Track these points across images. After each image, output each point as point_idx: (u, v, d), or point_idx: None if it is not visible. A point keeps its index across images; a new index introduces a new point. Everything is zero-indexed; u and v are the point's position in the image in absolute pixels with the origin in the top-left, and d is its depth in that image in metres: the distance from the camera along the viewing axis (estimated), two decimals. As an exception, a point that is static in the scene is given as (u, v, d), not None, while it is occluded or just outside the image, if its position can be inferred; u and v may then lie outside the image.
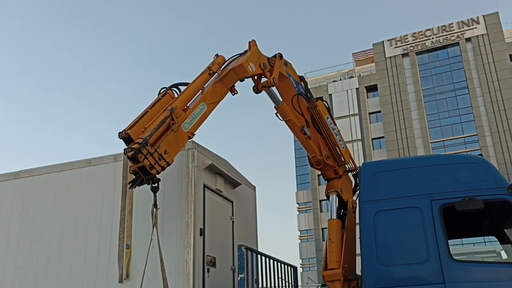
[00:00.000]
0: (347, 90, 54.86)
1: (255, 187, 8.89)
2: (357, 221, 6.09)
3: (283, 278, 7.67)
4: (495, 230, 6.46)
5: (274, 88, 6.72)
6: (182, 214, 6.32)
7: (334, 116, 49.10)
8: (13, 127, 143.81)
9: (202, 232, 6.54)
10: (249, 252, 6.36)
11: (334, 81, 57.03)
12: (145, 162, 5.25)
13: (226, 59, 6.37)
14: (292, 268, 8.16)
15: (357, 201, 6.56)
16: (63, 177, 7.43)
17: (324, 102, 7.14)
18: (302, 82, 7.01)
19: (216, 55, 6.35)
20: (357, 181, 7.18)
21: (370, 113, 53.26)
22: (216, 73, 6.17)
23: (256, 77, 6.54)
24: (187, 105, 5.86)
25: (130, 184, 5.54)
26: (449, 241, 5.32)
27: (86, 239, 6.87)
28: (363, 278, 5.44)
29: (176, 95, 6.06)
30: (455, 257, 5.14)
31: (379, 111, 52.11)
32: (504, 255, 6.74)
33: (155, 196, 5.71)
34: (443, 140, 48.55)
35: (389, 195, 5.58)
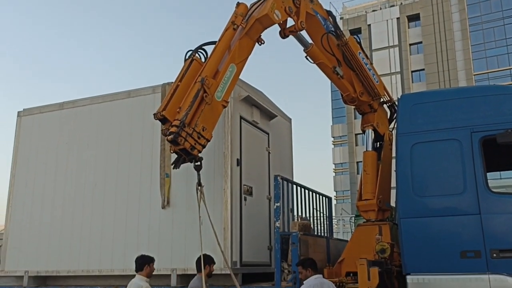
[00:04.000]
0: (387, 20, 52.43)
1: (291, 119, 8.92)
2: (394, 153, 6.09)
3: (318, 208, 7.87)
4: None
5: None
6: (220, 145, 6.47)
7: (373, 48, 46.97)
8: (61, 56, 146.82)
9: (239, 163, 6.70)
10: (285, 182, 6.51)
11: (373, 11, 54.51)
12: (186, 145, 5.27)
13: (248, 7, 6.05)
14: (326, 199, 8.34)
15: (394, 133, 6.52)
16: (104, 108, 7.67)
17: (355, 36, 6.86)
18: (330, 17, 6.69)
19: (237, 4, 6.02)
20: (393, 112, 7.10)
21: (410, 44, 51.09)
22: (241, 26, 5.88)
23: (282, 22, 6.23)
24: (217, 68, 5.70)
25: (173, 164, 5.58)
26: (487, 174, 5.28)
27: (128, 168, 7.18)
28: (398, 208, 5.53)
29: (203, 59, 5.90)
30: (492, 190, 5.12)
31: (420, 42, 49.89)
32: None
33: (198, 175, 5.66)
34: (487, 72, 46.45)
35: (428, 127, 5.50)
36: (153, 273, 5.66)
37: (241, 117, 6.96)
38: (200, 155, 5.56)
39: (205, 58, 5.94)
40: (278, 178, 6.29)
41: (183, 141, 5.23)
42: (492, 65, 46.68)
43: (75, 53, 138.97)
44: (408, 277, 5.18)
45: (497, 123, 5.17)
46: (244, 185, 6.77)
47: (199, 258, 5.62)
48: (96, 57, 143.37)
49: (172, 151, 5.51)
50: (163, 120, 5.47)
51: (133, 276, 5.95)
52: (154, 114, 5.49)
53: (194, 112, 5.34)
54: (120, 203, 7.11)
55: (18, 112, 8.40)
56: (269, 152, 7.70)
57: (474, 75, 46.74)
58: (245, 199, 6.76)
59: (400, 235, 5.38)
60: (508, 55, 46.30)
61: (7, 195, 8.05)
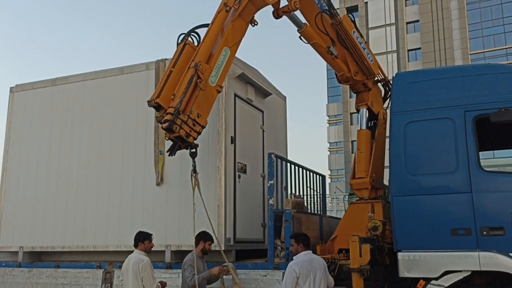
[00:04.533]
0: (384, -3, 51.93)
1: (285, 97, 8.89)
2: (388, 132, 6.10)
3: (311, 186, 7.92)
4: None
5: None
6: (214, 123, 6.44)
7: (369, 26, 46.65)
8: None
9: (233, 140, 6.70)
10: (279, 160, 6.53)
11: (371, -12, 53.89)
12: (181, 132, 5.25)
13: None
14: (320, 177, 8.39)
15: (388, 111, 6.53)
16: (97, 84, 7.60)
17: (349, 15, 6.79)
18: None
19: None
20: (387, 90, 7.10)
21: (407, 23, 50.68)
22: (233, 8, 5.77)
23: (275, 2, 6.14)
24: (211, 51, 5.61)
25: (169, 152, 5.56)
26: (480, 153, 5.31)
27: (122, 144, 7.16)
28: (390, 186, 5.57)
29: (196, 42, 5.80)
30: (484, 169, 5.16)
31: (417, 21, 49.50)
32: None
33: (194, 162, 5.65)
34: (483, 52, 46.30)
35: (422, 106, 5.51)
36: None
37: (235, 95, 6.93)
38: (195, 142, 5.55)
39: (198, 42, 5.86)
40: (272, 156, 6.31)
41: (178, 129, 5.22)
42: (488, 44, 46.51)
43: (73, 27, 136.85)
44: (399, 253, 5.26)
45: (490, 102, 5.18)
46: (238, 162, 6.78)
47: (197, 235, 5.74)
48: (96, 32, 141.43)
49: (167, 138, 5.49)
50: (157, 107, 5.43)
51: (128, 252, 6.06)
52: (148, 102, 5.46)
53: (189, 99, 5.31)
54: (114, 179, 7.11)
55: (11, 88, 8.32)
56: (263, 130, 7.69)
57: (470, 54, 46.60)
58: (239, 177, 6.78)
59: (392, 212, 5.44)
60: (504, 34, 46.09)
61: (1, 171, 8.04)
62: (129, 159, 7.06)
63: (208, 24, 5.85)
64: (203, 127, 5.53)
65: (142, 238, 5.82)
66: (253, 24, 6.08)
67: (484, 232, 4.94)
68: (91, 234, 7.10)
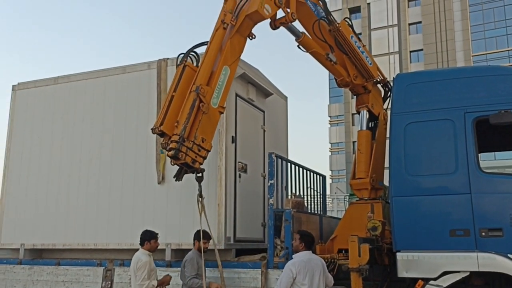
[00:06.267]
0: (387, -1, 51.92)
1: (286, 97, 8.92)
2: (388, 133, 6.13)
3: (312, 186, 7.94)
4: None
5: None
6: (215, 122, 6.44)
7: (372, 27, 46.53)
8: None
9: (233, 140, 6.73)
10: (279, 160, 6.56)
11: (373, -11, 53.87)
12: (187, 159, 5.25)
13: (237, 1, 5.83)
14: (321, 177, 8.41)
15: (388, 112, 6.55)
16: (99, 83, 7.62)
17: (347, 20, 6.73)
18: (320, 2, 6.52)
19: None
20: (386, 91, 7.13)
21: (410, 24, 50.65)
22: (231, 24, 5.71)
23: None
24: (211, 71, 5.59)
25: (175, 177, 5.54)
26: (481, 154, 5.33)
27: (124, 143, 7.19)
28: (390, 187, 5.59)
29: (194, 62, 5.79)
30: (484, 170, 5.17)
31: (420, 22, 49.45)
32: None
33: (200, 186, 5.65)
34: (485, 54, 46.25)
35: (422, 107, 5.54)
36: None
37: (236, 95, 6.95)
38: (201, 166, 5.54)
39: (197, 61, 5.86)
40: (273, 155, 6.33)
41: (184, 156, 5.22)
42: (491, 46, 46.46)
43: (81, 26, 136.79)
44: (398, 254, 5.28)
45: (490, 104, 5.20)
46: (238, 162, 6.81)
47: (196, 233, 5.80)
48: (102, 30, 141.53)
49: (172, 164, 5.47)
50: (161, 134, 5.43)
51: (128, 250, 6.11)
52: (151, 129, 5.46)
53: (192, 124, 5.30)
54: (115, 177, 7.14)
55: (13, 86, 8.36)
56: (264, 130, 7.71)
57: (472, 56, 46.55)
58: (240, 176, 6.81)
59: (391, 213, 5.46)
60: (507, 36, 46.05)
61: (3, 168, 8.09)
62: (130, 157, 7.09)
63: (206, 42, 5.82)
64: (208, 151, 5.53)
65: (149, 237, 5.84)
66: (251, 38, 6.03)
67: (483, 233, 4.96)
68: (92, 232, 7.13)
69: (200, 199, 5.70)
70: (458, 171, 5.19)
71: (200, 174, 5.62)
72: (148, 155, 6.90)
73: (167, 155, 5.36)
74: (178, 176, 5.56)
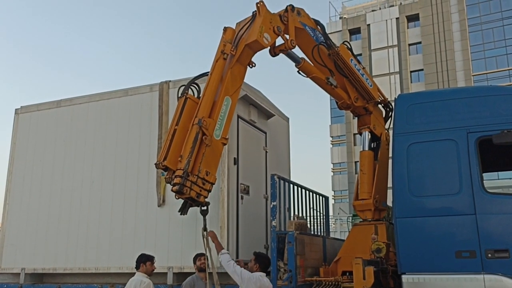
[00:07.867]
0: (386, 20, 52.42)
1: (288, 118, 8.93)
2: (391, 153, 6.11)
3: (314, 207, 7.88)
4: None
5: None
6: (217, 144, 6.43)
7: (372, 48, 46.91)
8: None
9: (236, 161, 6.71)
10: (282, 181, 6.52)
11: (373, 11, 54.48)
12: (192, 194, 5.24)
13: (236, 31, 5.88)
14: (323, 198, 8.35)
15: (390, 132, 6.54)
16: (102, 106, 7.65)
17: (346, 43, 6.75)
18: (318, 27, 6.57)
19: (224, 29, 5.87)
20: (387, 111, 7.15)
21: (409, 45, 51.11)
22: (230, 54, 5.73)
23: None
24: (212, 102, 5.60)
25: (180, 211, 5.52)
26: (484, 174, 5.30)
27: (126, 165, 7.18)
28: (394, 208, 5.55)
29: (195, 94, 5.81)
30: (488, 190, 5.14)
31: (420, 42, 49.91)
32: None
33: (204, 220, 5.59)
34: (486, 73, 46.48)
35: (424, 128, 5.53)
36: None
37: (238, 116, 6.96)
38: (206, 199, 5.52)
39: (198, 92, 5.88)
40: (275, 177, 6.30)
41: (188, 191, 5.20)
42: (491, 66, 46.70)
43: (82, 48, 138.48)
44: (403, 276, 5.21)
45: (493, 124, 5.20)
46: (241, 184, 6.78)
47: (194, 256, 5.79)
48: (106, 52, 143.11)
49: (177, 198, 5.44)
50: (165, 169, 5.42)
51: (130, 274, 6.03)
52: (155, 164, 5.46)
53: (195, 158, 5.28)
54: (117, 201, 7.11)
55: (16, 109, 8.39)
56: (266, 151, 7.70)
57: (473, 75, 46.78)
58: (242, 198, 6.76)
59: (395, 234, 5.40)
60: (507, 56, 46.33)
61: (4, 192, 8.05)
62: (132, 180, 7.06)
63: (207, 73, 5.84)
64: (213, 184, 5.50)
65: (145, 260, 5.80)
66: (251, 66, 6.04)
67: (489, 255, 4.89)
68: (93, 256, 7.06)
69: (205, 233, 5.60)
70: (462, 191, 5.15)
71: (205, 208, 5.56)
72: (150, 178, 6.88)
73: (172, 190, 5.31)
74: (183, 210, 5.51)
